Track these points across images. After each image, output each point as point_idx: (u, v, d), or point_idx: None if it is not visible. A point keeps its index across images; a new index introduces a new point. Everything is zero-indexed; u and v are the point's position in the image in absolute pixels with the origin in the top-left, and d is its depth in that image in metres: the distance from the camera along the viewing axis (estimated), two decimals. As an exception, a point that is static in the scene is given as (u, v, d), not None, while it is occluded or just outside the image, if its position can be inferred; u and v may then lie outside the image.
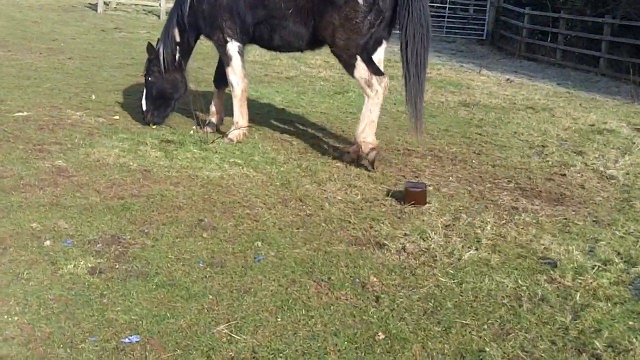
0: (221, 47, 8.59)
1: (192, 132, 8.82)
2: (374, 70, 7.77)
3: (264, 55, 16.31)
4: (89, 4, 29.99)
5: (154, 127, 8.95)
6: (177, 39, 9.10)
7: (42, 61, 13.79)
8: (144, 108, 9.15)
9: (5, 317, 4.04)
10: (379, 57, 8.15)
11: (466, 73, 18.11)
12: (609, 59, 22.00)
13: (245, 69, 8.64)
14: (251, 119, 8.90)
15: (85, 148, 7.66)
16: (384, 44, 8.20)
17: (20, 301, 4.25)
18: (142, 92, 9.31)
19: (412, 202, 6.60)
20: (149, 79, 9.18)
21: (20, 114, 9.02)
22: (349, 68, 7.84)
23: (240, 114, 8.64)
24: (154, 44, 9.19)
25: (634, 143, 10.02)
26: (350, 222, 6.06)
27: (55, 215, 5.67)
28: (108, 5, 28.06)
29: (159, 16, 27.21)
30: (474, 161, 8.58)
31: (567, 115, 12.28)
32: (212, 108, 9.28)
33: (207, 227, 5.67)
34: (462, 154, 8.92)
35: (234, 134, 8.56)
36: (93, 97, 10.62)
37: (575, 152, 9.27)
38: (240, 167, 7.47)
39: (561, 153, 9.19)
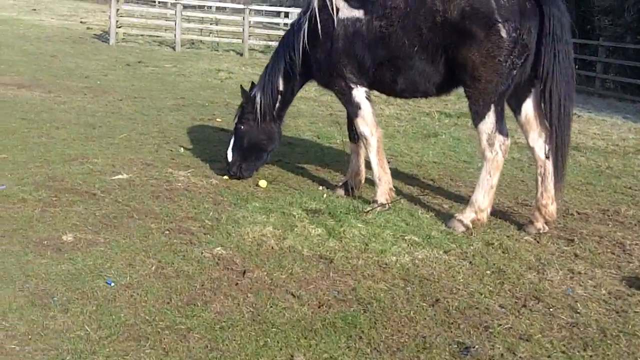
0: (345, 95, 7.27)
1: (324, 195, 7.44)
2: (501, 128, 6.54)
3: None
4: (94, 34, 28.61)
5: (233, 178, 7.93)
6: (281, 87, 7.79)
7: (93, 104, 12.31)
8: (230, 159, 7.91)
9: None
10: (530, 110, 6.91)
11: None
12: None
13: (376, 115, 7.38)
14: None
15: (232, 226, 6.21)
16: (534, 93, 6.87)
17: None
18: (230, 140, 8.04)
19: (676, 299, 5.25)
20: (241, 127, 7.94)
21: (120, 176, 7.53)
22: (478, 117, 6.56)
23: (381, 168, 7.28)
24: (245, 86, 8.17)
25: None
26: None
27: (277, 343, 4.19)
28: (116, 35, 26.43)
29: (174, 48, 25.81)
30: (664, 228, 7.25)
31: (693, 162, 11.03)
32: (350, 168, 7.87)
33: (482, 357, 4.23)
34: (639, 217, 7.58)
35: (383, 195, 7.20)
36: (182, 150, 9.17)
37: None
38: (423, 248, 6.07)
39: None
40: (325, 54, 7.19)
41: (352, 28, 7.02)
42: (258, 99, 7.84)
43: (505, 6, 6.33)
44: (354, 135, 7.74)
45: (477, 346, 4.32)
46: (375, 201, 7.17)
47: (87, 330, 4.11)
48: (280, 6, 32.52)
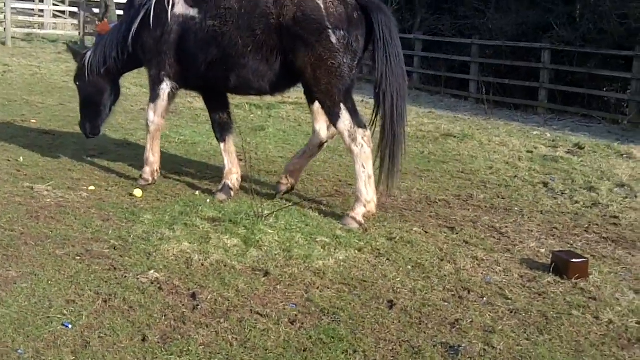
0: (155, 84, 7.61)
1: (208, 200, 7.27)
2: (358, 122, 6.94)
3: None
4: None
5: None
6: (114, 54, 7.88)
7: None
8: (81, 119, 8.32)
9: None
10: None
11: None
12: (423, 74, 22.85)
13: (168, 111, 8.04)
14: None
15: (145, 245, 5.84)
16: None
17: None
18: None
19: (577, 276, 5.92)
20: (77, 84, 8.26)
21: (-21, 195, 6.68)
22: (333, 118, 6.95)
23: (152, 152, 7.78)
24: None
25: (611, 165, 10.10)
26: (589, 316, 5.18)
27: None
28: None
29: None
30: (515, 209, 8.03)
31: (491, 142, 12.18)
32: (225, 169, 7.75)
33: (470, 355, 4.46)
34: (490, 200, 8.29)
35: (148, 174, 7.73)
36: (21, 159, 8.34)
37: (584, 188, 9.06)
38: (338, 249, 6.17)
39: (570, 191, 8.93)
40: (154, 42, 7.36)
41: (186, 25, 7.20)
42: (88, 55, 8.00)
43: (334, 15, 6.70)
44: (220, 136, 7.85)
45: (463, 345, 4.55)
46: (141, 177, 7.77)
47: (87, 387, 3.67)
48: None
